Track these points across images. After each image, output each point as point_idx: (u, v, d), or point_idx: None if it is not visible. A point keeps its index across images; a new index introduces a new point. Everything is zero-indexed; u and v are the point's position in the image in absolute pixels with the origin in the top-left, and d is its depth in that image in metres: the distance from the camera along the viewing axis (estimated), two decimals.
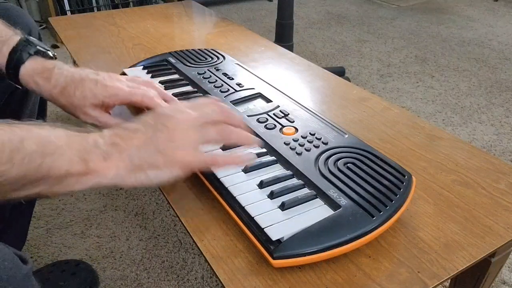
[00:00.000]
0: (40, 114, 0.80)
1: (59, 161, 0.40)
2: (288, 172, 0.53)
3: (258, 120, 0.63)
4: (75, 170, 0.41)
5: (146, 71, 0.80)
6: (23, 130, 0.39)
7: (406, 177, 0.51)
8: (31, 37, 0.59)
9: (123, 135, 0.45)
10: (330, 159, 0.54)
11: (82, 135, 0.43)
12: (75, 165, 0.41)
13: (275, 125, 0.61)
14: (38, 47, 0.58)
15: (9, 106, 0.70)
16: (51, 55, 0.59)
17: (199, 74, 0.77)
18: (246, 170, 0.53)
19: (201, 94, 0.71)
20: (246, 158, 0.51)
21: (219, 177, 0.52)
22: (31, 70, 0.56)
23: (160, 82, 0.75)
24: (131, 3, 2.44)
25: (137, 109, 0.72)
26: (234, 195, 0.50)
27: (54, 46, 2.13)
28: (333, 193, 0.49)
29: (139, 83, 0.62)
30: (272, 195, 0.49)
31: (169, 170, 0.44)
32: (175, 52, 0.87)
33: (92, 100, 0.56)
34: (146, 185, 0.44)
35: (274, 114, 0.64)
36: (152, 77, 0.78)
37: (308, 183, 0.51)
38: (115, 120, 0.59)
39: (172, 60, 0.83)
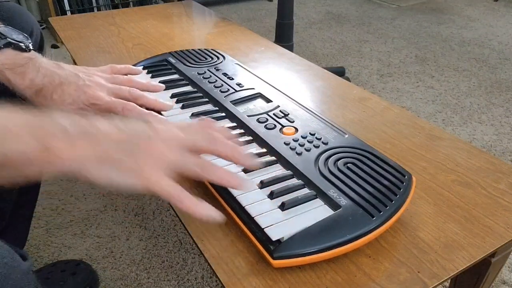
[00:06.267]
0: None
1: (14, 145, 0.36)
2: (288, 172, 0.53)
3: (258, 120, 0.63)
4: (34, 155, 0.37)
5: (146, 71, 0.80)
6: None
7: (406, 177, 0.51)
8: (2, 28, 0.55)
9: (99, 126, 0.41)
10: (330, 159, 0.54)
11: (44, 119, 0.39)
12: (32, 149, 0.37)
13: (275, 125, 0.61)
14: (8, 39, 0.54)
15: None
16: (24, 47, 0.55)
17: (199, 74, 0.77)
18: (246, 170, 0.53)
19: (201, 94, 0.71)
20: (214, 214, 0.42)
21: None
22: (0, 65, 0.53)
23: (160, 82, 0.75)
24: (131, 3, 2.44)
25: None
26: (234, 195, 0.49)
27: (54, 46, 2.13)
28: (333, 193, 0.49)
29: (121, 82, 0.59)
30: (272, 195, 0.49)
31: (128, 175, 0.40)
32: (175, 52, 0.87)
33: (70, 105, 0.54)
34: (106, 181, 0.40)
35: (274, 114, 0.64)
36: (152, 77, 0.77)
37: (308, 183, 0.51)
38: None
39: (172, 60, 0.83)
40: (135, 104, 0.57)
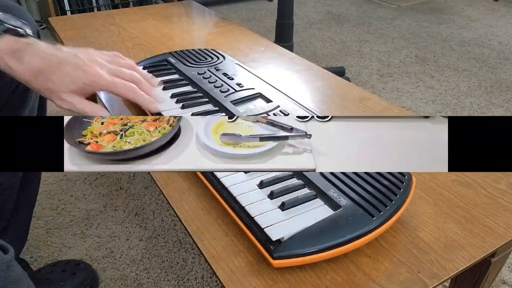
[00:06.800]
0: (40, 112, 0.80)
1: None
2: (288, 172, 0.53)
3: None
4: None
5: (146, 71, 0.80)
6: None
7: (406, 177, 0.51)
8: (1, 14, 0.54)
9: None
10: None
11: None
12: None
13: None
14: (7, 25, 0.53)
15: (9, 105, 0.70)
16: (22, 32, 0.54)
17: (199, 74, 0.77)
18: (246, 170, 0.53)
19: (201, 94, 0.71)
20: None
21: (219, 177, 0.52)
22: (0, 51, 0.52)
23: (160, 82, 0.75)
24: (131, 3, 2.44)
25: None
26: (234, 195, 0.50)
27: None
28: (333, 193, 0.49)
29: (120, 65, 0.58)
30: (272, 195, 0.49)
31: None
32: (175, 52, 0.87)
33: (70, 86, 0.53)
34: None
35: (274, 114, 0.64)
36: None
37: (308, 183, 0.51)
38: (94, 107, 0.55)
39: (172, 60, 0.83)
40: (136, 86, 0.56)
